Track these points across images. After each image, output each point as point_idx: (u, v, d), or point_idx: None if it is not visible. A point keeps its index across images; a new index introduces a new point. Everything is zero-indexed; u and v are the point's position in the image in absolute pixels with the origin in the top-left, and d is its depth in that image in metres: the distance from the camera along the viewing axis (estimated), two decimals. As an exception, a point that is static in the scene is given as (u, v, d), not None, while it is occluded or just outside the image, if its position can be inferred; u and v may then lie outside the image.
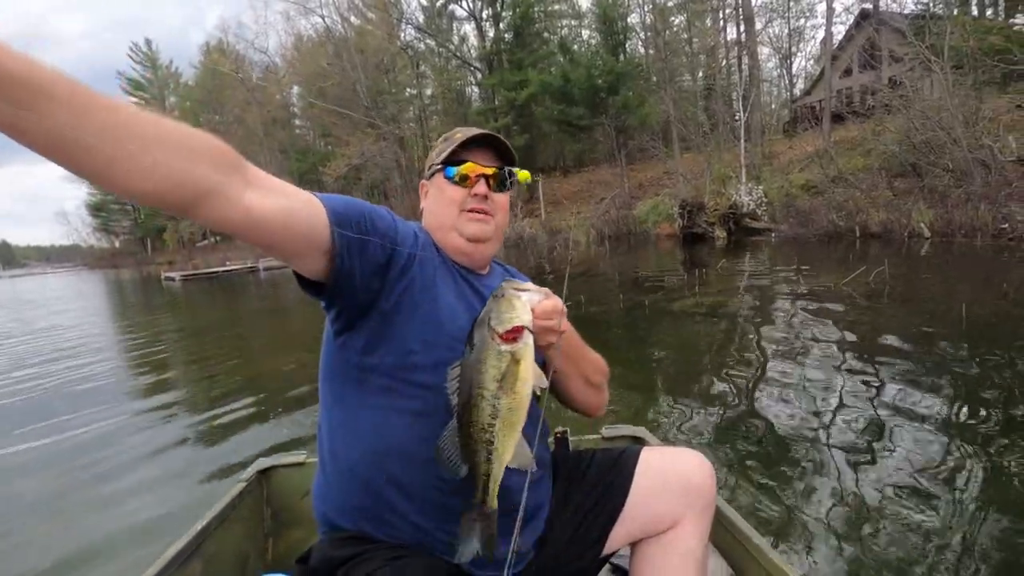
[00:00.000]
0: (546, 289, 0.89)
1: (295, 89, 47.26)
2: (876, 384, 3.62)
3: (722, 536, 1.33)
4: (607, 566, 1.28)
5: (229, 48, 47.00)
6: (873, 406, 3.24)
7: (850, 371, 3.91)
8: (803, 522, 2.15)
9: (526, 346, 0.82)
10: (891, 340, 4.62)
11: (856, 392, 3.49)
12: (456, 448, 0.84)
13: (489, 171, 1.09)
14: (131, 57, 56.32)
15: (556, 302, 0.88)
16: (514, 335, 0.80)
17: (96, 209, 65.89)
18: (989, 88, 14.86)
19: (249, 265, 27.89)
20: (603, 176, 27.93)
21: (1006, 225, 9.91)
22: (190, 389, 5.14)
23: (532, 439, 1.06)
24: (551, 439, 1.62)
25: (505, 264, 1.27)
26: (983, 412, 3.06)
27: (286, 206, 0.80)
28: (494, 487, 0.85)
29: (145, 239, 61.59)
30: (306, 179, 40.44)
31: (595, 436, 1.79)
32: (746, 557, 1.26)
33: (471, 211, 1.08)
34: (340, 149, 32.67)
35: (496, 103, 31.87)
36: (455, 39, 37.83)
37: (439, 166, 1.09)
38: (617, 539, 1.09)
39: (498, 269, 1.21)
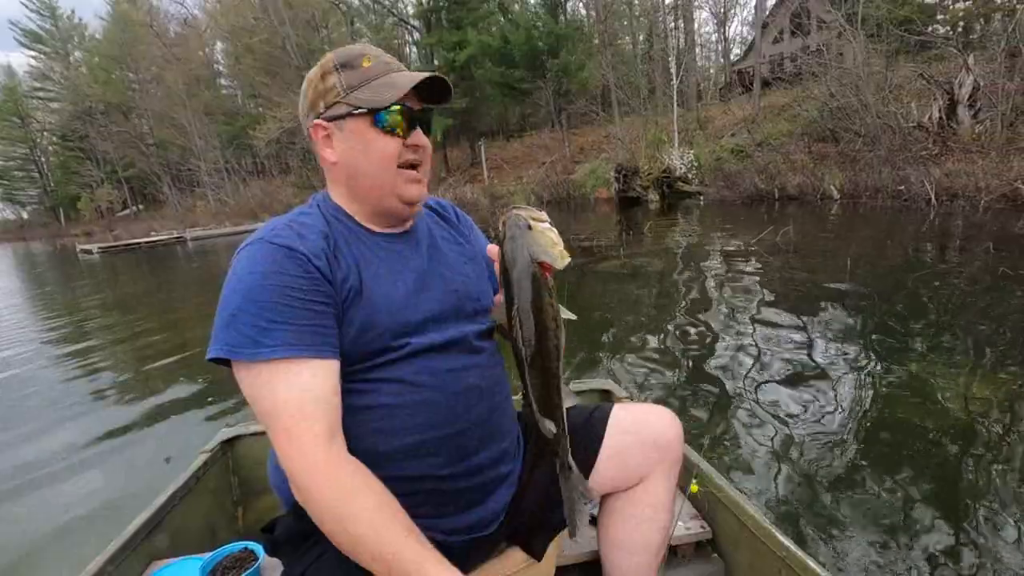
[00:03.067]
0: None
1: (219, 45, 44.06)
2: (774, 329, 4.04)
3: (684, 478, 1.38)
4: None
5: (140, -2, 43.04)
6: (772, 348, 3.63)
7: (752, 318, 4.35)
8: (744, 458, 2.36)
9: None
10: (788, 289, 5.13)
11: (759, 337, 3.90)
12: (538, 412, 0.78)
13: (426, 111, 0.92)
14: (26, 5, 50.50)
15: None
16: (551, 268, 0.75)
17: (-3, 176, 59.89)
18: (906, 57, 15.79)
19: (176, 235, 26.36)
20: (545, 140, 27.91)
21: (903, 187, 10.78)
22: (126, 371, 4.84)
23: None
24: (518, 396, 1.61)
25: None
26: (860, 348, 3.49)
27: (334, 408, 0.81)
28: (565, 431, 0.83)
29: (57, 208, 56.72)
30: (236, 143, 38.25)
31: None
32: (708, 496, 1.34)
33: (409, 167, 0.90)
34: (271, 111, 30.92)
35: (435, 63, 30.94)
36: (391, -6, 36.10)
37: (363, 110, 0.86)
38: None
39: (423, 212, 1.05)
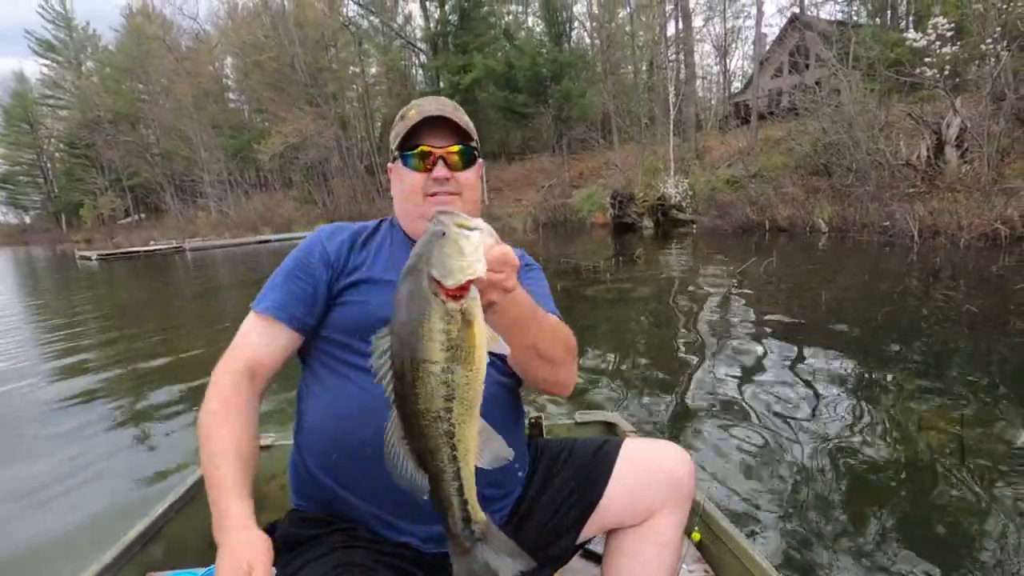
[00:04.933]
0: (491, 229, 0.68)
1: (228, 60, 44.89)
2: (755, 360, 4.14)
3: (689, 521, 1.31)
4: (580, 551, 1.28)
5: (155, 13, 44.00)
6: (755, 380, 3.72)
7: (734, 348, 4.46)
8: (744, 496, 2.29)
9: (475, 301, 0.61)
10: (767, 320, 5.27)
11: (741, 367, 3.98)
12: (405, 453, 0.62)
13: (450, 150, 1.04)
14: (41, 15, 51.55)
15: (507, 250, 0.69)
16: (463, 289, 0.60)
17: (2, 181, 60.37)
18: (898, 96, 16.17)
19: (175, 245, 26.55)
20: (545, 165, 28.33)
21: (888, 223, 11.00)
22: (125, 381, 4.81)
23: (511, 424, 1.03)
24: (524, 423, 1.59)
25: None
26: (834, 379, 3.60)
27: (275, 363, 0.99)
28: (472, 494, 0.65)
29: (59, 214, 57.10)
30: (240, 156, 38.69)
31: (568, 422, 1.76)
32: (713, 540, 1.30)
33: (434, 196, 1.04)
34: (277, 126, 31.39)
35: (440, 86, 31.57)
36: (399, 18, 37.03)
37: (396, 152, 1.07)
38: (592, 528, 1.08)
39: None
